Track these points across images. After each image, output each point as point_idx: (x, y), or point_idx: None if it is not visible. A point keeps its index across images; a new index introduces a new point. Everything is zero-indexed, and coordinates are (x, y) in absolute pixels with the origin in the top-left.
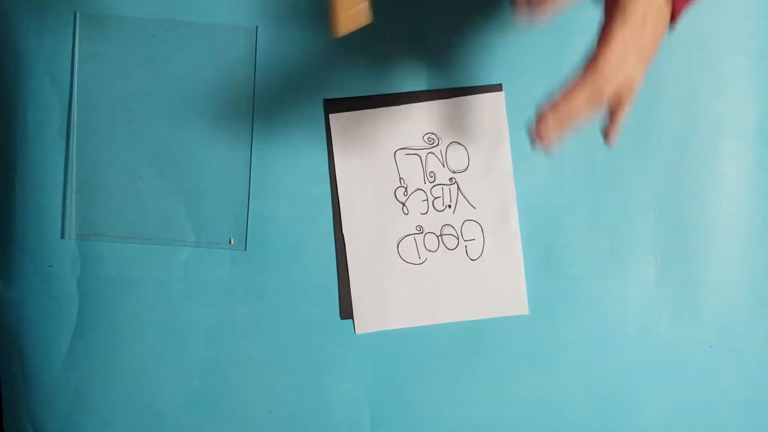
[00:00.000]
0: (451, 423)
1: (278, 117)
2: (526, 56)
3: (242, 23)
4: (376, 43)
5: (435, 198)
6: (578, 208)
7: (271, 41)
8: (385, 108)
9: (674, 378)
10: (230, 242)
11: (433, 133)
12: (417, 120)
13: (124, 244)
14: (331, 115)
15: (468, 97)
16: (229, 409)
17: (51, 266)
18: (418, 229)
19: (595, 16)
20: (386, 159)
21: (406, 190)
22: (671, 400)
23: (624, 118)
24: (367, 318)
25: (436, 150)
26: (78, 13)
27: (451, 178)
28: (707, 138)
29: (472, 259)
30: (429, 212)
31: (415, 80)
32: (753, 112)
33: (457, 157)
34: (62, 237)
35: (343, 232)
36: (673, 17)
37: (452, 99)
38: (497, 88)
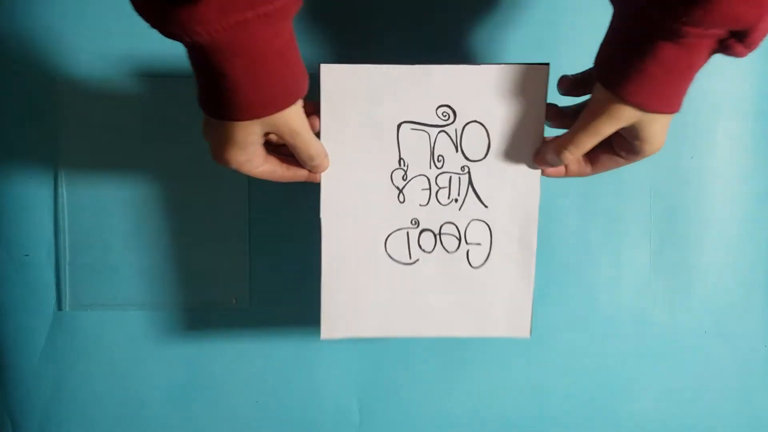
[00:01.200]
0: (441, 411)
1: None
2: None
3: None
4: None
5: (440, 188)
6: (571, 191)
7: None
8: (394, 66)
9: (668, 364)
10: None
11: (449, 106)
12: (432, 87)
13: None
14: (322, 66)
15: (501, 66)
16: (214, 399)
17: (27, 255)
18: (414, 223)
19: None
20: (387, 132)
21: (405, 173)
22: (665, 386)
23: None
24: (336, 321)
25: (450, 129)
26: (57, 78)
27: (463, 167)
28: (704, 120)
29: (473, 267)
30: (430, 204)
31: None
32: (751, 93)
33: (475, 141)
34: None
35: (321, 214)
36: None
37: (481, 66)
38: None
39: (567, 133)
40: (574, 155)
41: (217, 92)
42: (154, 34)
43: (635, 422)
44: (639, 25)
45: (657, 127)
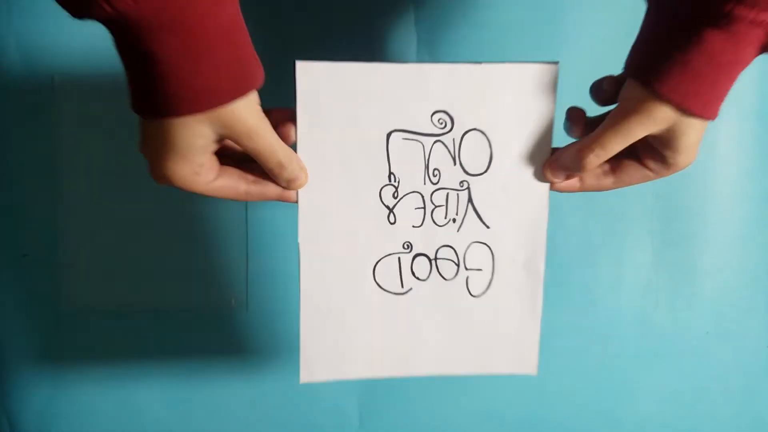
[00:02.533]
0: (441, 412)
1: None
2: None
3: None
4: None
5: (436, 207)
6: None
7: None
8: (382, 65)
9: (670, 364)
10: None
11: (446, 113)
12: (427, 89)
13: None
14: (298, 63)
15: (504, 65)
16: (213, 400)
17: (25, 256)
18: (406, 247)
19: None
20: (375, 142)
21: (396, 190)
22: (666, 387)
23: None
24: (318, 362)
25: (447, 138)
26: (55, 77)
27: (462, 182)
28: None
29: (473, 296)
30: (425, 225)
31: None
32: (752, 94)
33: (475, 152)
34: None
35: (299, 238)
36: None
37: (481, 65)
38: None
39: (591, 135)
40: (599, 159)
41: (150, 83)
42: None
43: (636, 423)
44: (684, 10)
45: (692, 136)
